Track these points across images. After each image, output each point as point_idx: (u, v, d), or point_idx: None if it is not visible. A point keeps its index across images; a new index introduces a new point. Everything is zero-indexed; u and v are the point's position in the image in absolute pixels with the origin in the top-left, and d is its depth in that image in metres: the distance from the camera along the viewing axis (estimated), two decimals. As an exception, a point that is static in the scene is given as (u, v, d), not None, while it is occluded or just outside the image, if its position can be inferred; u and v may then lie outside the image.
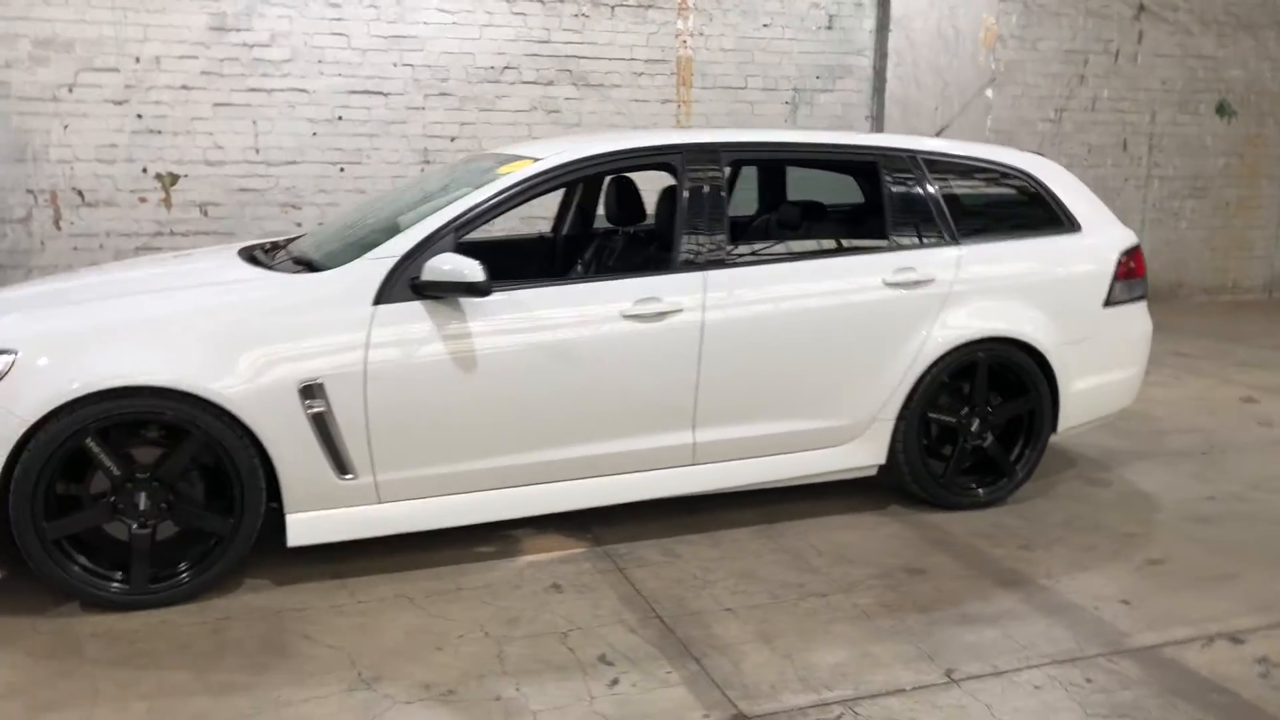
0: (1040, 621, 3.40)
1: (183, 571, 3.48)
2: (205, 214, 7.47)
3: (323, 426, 3.49)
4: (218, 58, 7.28)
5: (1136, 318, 4.71)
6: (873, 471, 4.33)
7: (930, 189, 4.37)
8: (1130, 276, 4.62)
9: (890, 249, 4.28)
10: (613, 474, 3.92)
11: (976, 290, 4.30)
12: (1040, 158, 4.74)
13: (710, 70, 8.39)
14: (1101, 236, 4.61)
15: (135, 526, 3.40)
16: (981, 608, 3.50)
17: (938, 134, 8.73)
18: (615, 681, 3.01)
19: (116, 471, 3.35)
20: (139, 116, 7.20)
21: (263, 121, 7.44)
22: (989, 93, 9.05)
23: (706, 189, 4.04)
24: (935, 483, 4.35)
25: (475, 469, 3.72)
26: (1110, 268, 4.54)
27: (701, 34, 8.33)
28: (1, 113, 6.95)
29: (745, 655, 3.17)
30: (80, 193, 7.20)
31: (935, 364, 4.23)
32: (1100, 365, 4.59)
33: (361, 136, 7.66)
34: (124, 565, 3.43)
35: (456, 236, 3.68)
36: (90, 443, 3.29)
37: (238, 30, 7.28)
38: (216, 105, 7.35)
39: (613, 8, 8.08)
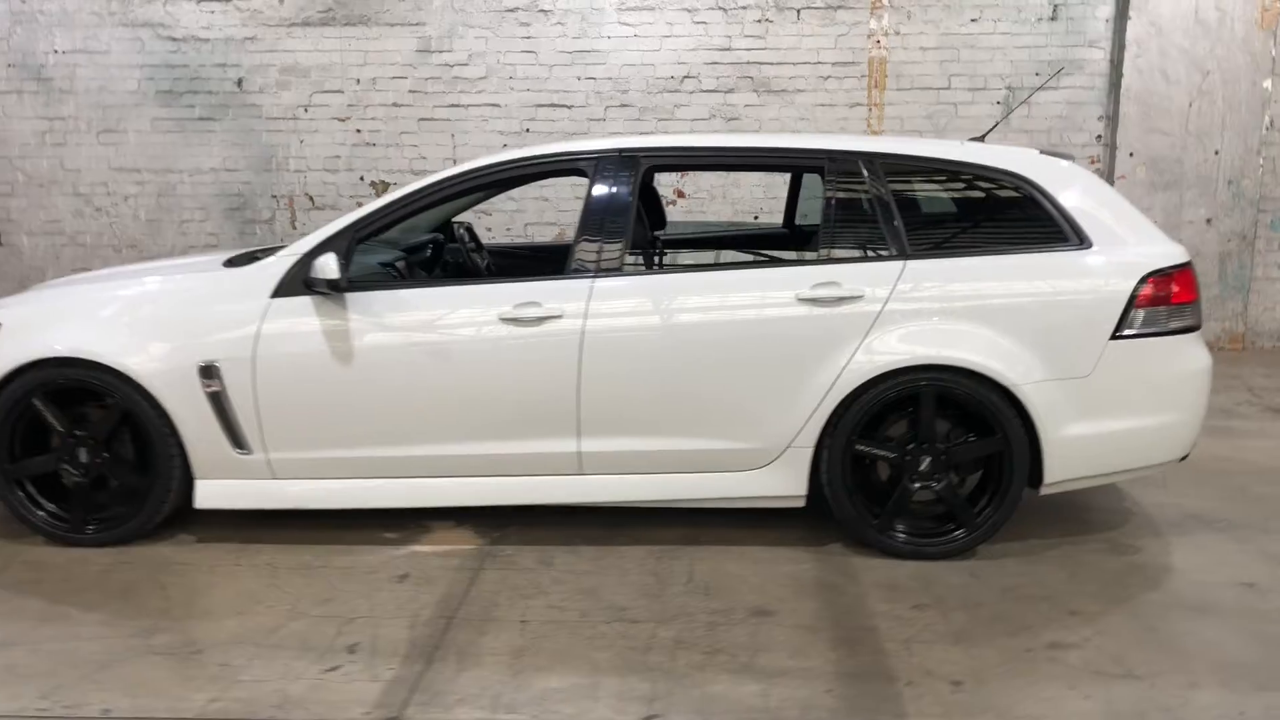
0: (818, 687, 2.99)
1: (112, 519, 4.06)
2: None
3: (219, 404, 3.91)
4: (423, 77, 8.10)
5: (1175, 354, 3.85)
6: (797, 503, 3.97)
7: (879, 196, 3.91)
8: (1161, 304, 3.80)
9: (820, 261, 3.89)
10: (497, 475, 3.97)
11: (921, 311, 3.78)
12: (1050, 159, 4.02)
13: (907, 71, 7.87)
14: (1120, 254, 3.84)
15: (77, 476, 4.03)
16: (772, 661, 3.14)
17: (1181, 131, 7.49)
18: (335, 668, 3.12)
19: (59, 428, 4.00)
20: (358, 131, 8.21)
21: (460, 134, 8.16)
22: (1267, 84, 7.61)
23: (611, 196, 3.95)
24: (867, 525, 3.89)
25: (358, 457, 3.95)
26: (1124, 292, 3.77)
27: (898, 33, 7.84)
28: (254, 130, 8.25)
29: (479, 666, 3.12)
30: (311, 198, 8.35)
31: (861, 390, 3.79)
32: (1110, 409, 3.82)
33: (541, 146, 8.12)
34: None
35: (355, 238, 3.93)
36: (36, 401, 3.96)
37: (440, 52, 8.04)
38: (421, 120, 8.18)
39: (798, 11, 7.86)
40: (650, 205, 5.13)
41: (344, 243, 3.91)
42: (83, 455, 4.02)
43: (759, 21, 7.87)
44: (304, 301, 3.89)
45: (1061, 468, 3.85)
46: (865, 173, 3.92)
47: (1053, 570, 3.79)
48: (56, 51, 8.27)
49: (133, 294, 4.08)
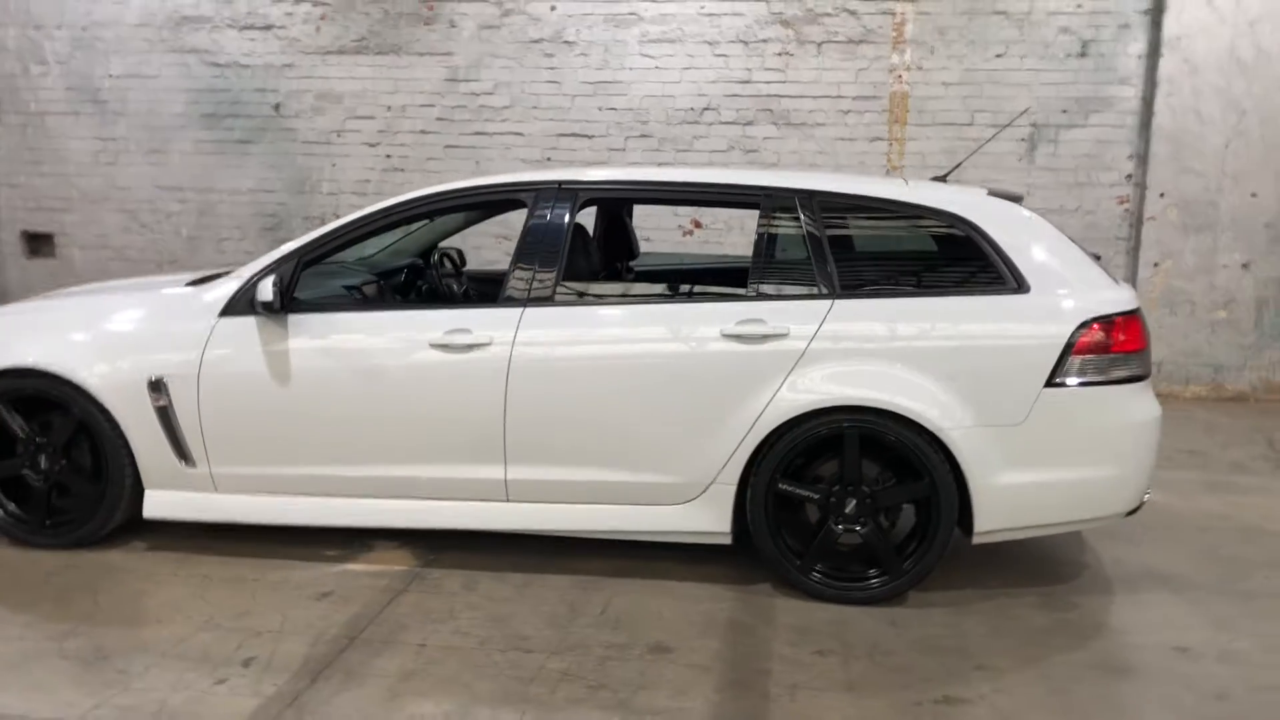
0: (685, 728, 2.96)
1: (69, 523, 4.22)
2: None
3: (166, 418, 4.06)
4: (450, 105, 8.29)
5: (1117, 404, 3.72)
6: (723, 540, 3.93)
7: (813, 233, 3.87)
8: (1101, 351, 3.68)
9: (749, 298, 3.87)
10: (427, 499, 4.02)
11: (846, 351, 3.73)
12: (996, 200, 3.93)
13: (929, 106, 7.77)
14: (1060, 299, 3.73)
15: (37, 480, 4.21)
16: (650, 700, 3.11)
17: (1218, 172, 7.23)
18: (223, 681, 3.19)
19: (22, 434, 4.19)
20: (387, 156, 8.42)
21: (484, 161, 8.31)
22: (1309, 125, 7.31)
23: (546, 227, 3.99)
24: (790, 565, 3.83)
25: (295, 474, 4.05)
26: (1061, 338, 3.66)
27: (920, 67, 7.76)
28: (289, 153, 8.54)
29: (360, 687, 3.16)
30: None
31: (783, 429, 3.75)
32: (1045, 459, 3.71)
33: (559, 175, 8.22)
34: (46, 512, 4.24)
35: (300, 262, 4.05)
36: (0, 408, 4.16)
37: (467, 81, 8.22)
38: (447, 147, 8.36)
39: (819, 45, 7.83)
40: (619, 236, 5.17)
41: (289, 266, 4.02)
42: (43, 461, 4.19)
43: (779, 55, 7.86)
44: (248, 322, 4.01)
45: (992, 517, 3.74)
46: (801, 210, 3.89)
47: (977, 622, 3.68)
48: (111, 76, 8.68)
49: (94, 311, 4.26)
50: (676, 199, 4.68)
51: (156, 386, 4.04)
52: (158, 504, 4.17)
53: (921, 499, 3.77)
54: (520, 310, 3.90)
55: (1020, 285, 3.75)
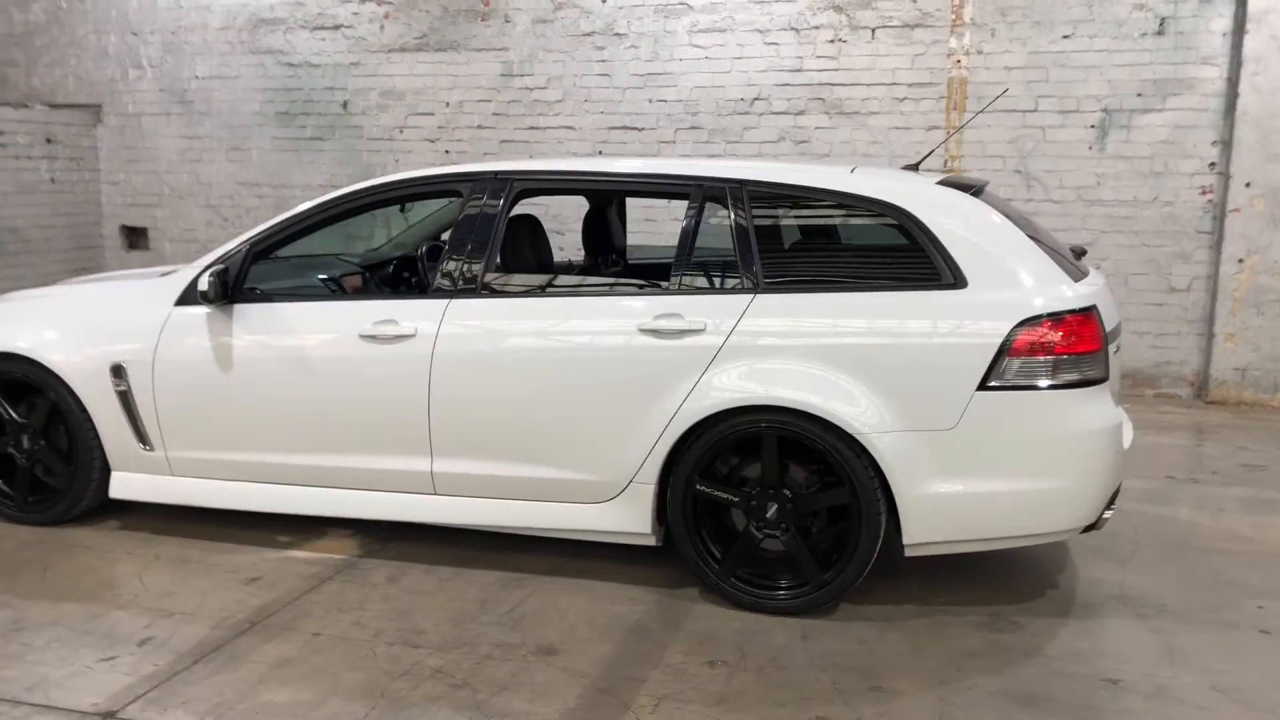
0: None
1: (48, 501, 4.45)
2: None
3: (126, 402, 4.22)
4: (505, 100, 8.36)
5: (1063, 411, 3.41)
6: (648, 541, 3.80)
7: (740, 224, 3.69)
8: (1042, 353, 3.38)
9: (671, 291, 3.72)
10: (360, 489, 4.05)
11: (764, 348, 3.54)
12: (942, 190, 3.65)
13: (989, 92, 7.33)
14: (999, 295, 3.44)
15: (22, 460, 4.46)
16: (507, 703, 3.03)
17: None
18: (111, 659, 3.29)
19: (5, 416, 4.44)
20: (446, 152, 8.57)
21: (537, 155, 8.34)
22: None
23: (478, 218, 3.95)
24: (708, 570, 3.68)
25: (240, 461, 4.15)
26: (996, 337, 3.37)
27: (980, 51, 7.34)
28: (356, 150, 8.79)
29: (232, 672, 3.20)
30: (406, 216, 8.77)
31: (699, 428, 3.60)
32: (980, 468, 3.43)
33: (607, 168, 8.17)
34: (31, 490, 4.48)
35: (250, 253, 4.14)
36: (-14, 392, 4.42)
37: (521, 75, 8.27)
38: (502, 142, 8.44)
39: (873, 30, 7.51)
40: (603, 229, 5.07)
41: (238, 258, 4.11)
42: (25, 442, 4.43)
43: (832, 41, 7.58)
44: (199, 312, 4.13)
45: (922, 529, 3.49)
46: (730, 201, 3.72)
47: (900, 640, 3.44)
48: (197, 77, 9.13)
49: (71, 300, 4.47)
50: (610, 189, 4.57)
51: (117, 372, 4.20)
52: (122, 485, 4.34)
53: (843, 507, 3.55)
54: (446, 302, 3.87)
55: (957, 280, 3.47)
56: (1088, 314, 3.43)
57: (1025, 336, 3.36)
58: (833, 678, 3.18)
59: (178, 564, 4.05)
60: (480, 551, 4.12)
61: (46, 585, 3.85)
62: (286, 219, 4.16)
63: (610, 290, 3.89)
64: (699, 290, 3.69)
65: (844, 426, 3.43)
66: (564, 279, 4.05)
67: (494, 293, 3.89)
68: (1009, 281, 3.46)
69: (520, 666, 3.24)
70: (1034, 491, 3.44)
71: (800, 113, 7.72)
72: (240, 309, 4.09)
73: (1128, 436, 3.76)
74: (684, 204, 3.79)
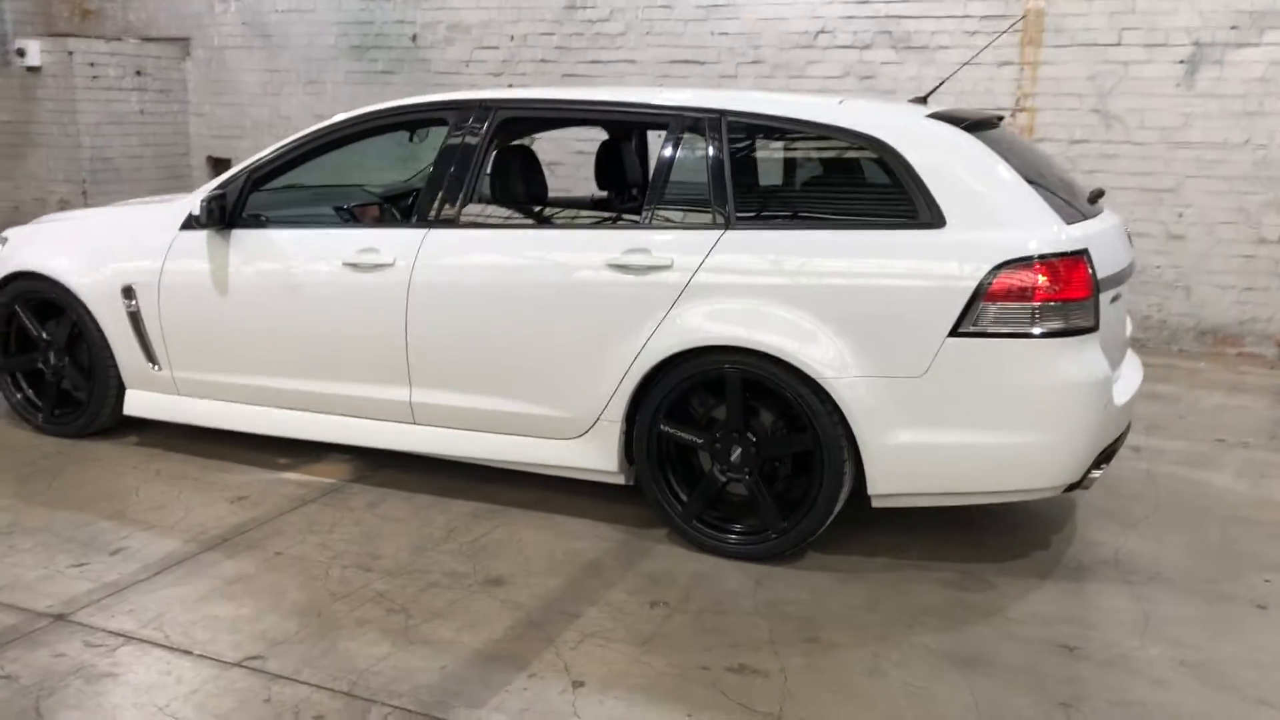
0: (439, 662, 2.87)
1: (70, 414, 4.66)
2: (552, 172, 8.54)
3: (136, 322, 4.37)
4: (568, 33, 8.26)
5: (1041, 360, 3.19)
6: (616, 479, 3.75)
7: (715, 157, 3.54)
8: (1022, 298, 3.16)
9: (641, 225, 3.62)
10: (344, 415, 4.10)
11: (730, 287, 3.42)
12: (927, 123, 3.43)
13: (1068, 25, 6.88)
14: (979, 236, 3.23)
15: (49, 375, 4.68)
16: (434, 631, 3.05)
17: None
18: (82, 565, 3.44)
19: (34, 333, 4.65)
20: (510, 85, 8.53)
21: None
22: None
23: (460, 147, 3.91)
24: (671, 511, 3.61)
25: (236, 383, 4.25)
26: (971, 280, 3.17)
27: (1060, -20, 6.87)
28: (424, 84, 8.82)
29: (186, 585, 3.30)
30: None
31: (664, 367, 3.51)
32: (949, 418, 3.26)
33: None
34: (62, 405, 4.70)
35: (249, 179, 4.20)
36: (18, 308, 4.63)
37: (584, 8, 8.15)
38: (564, 75, 8.35)
39: (946, -42, 7.11)
40: (616, 162, 4.95)
41: (237, 184, 4.18)
42: (52, 358, 4.64)
43: (902, -30, 7.20)
44: (201, 236, 4.22)
45: (888, 479, 3.34)
46: (708, 131, 3.57)
47: (856, 592, 3.32)
48: (277, 11, 9.29)
49: (90, 223, 4.63)
50: (589, 119, 4.45)
51: (128, 293, 4.34)
52: (134, 403, 4.51)
53: (805, 453, 3.42)
54: (425, 232, 3.86)
55: (935, 219, 3.27)
56: (1077, 258, 3.19)
57: (1004, 280, 3.15)
58: (771, 626, 3.09)
59: (175, 480, 4.20)
60: (463, 482, 4.14)
61: (49, 493, 4.04)
62: (281, 147, 4.20)
63: (585, 225, 3.80)
64: (670, 225, 3.58)
65: (805, 370, 3.30)
66: (544, 213, 3.98)
67: (471, 225, 3.85)
68: (992, 222, 3.24)
69: (461, 595, 3.25)
70: (1008, 446, 3.25)
71: (866, 46, 7.40)
72: (237, 234, 4.16)
73: (1126, 391, 3.51)
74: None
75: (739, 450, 3.48)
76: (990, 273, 3.15)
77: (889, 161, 3.35)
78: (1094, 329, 3.24)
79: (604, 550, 3.60)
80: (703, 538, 3.56)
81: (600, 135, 5.02)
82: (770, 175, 3.71)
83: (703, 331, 3.41)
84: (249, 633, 3.00)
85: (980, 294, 3.16)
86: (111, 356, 4.46)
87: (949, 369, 3.21)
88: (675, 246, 3.49)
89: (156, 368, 4.39)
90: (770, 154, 3.72)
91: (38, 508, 3.89)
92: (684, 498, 3.60)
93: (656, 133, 3.54)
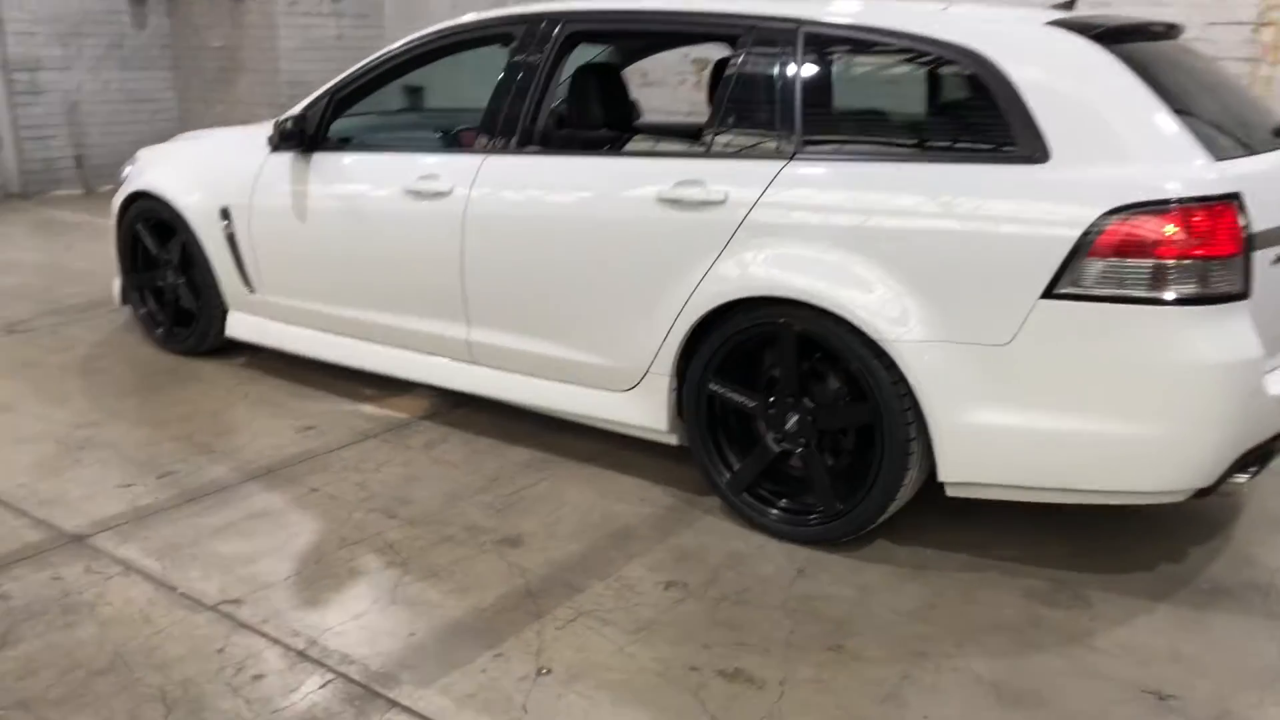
0: (410, 629, 2.65)
1: (183, 333, 4.77)
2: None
3: (232, 244, 4.37)
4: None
5: (1175, 333, 2.54)
6: (667, 439, 3.38)
7: (785, 76, 3.03)
8: (1141, 253, 2.52)
9: (699, 154, 3.18)
10: (409, 349, 3.93)
11: (789, 226, 2.93)
12: (1044, 31, 2.77)
13: (1336, -81, 5.67)
14: (1092, 173, 2.59)
15: (168, 293, 4.80)
16: (420, 592, 2.82)
17: None
18: (129, 486, 3.45)
19: (153, 252, 4.76)
20: None
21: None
22: None
23: (522, 65, 3.58)
24: (719, 480, 3.21)
25: (313, 310, 4.17)
26: (1075, 228, 2.55)
27: None
28: None
29: (213, 515, 3.24)
30: (644, 73, 8.48)
31: (714, 318, 3.09)
32: (1045, 398, 2.67)
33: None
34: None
35: (331, 101, 4.06)
36: (139, 227, 4.75)
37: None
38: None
39: None
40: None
41: (319, 105, 4.05)
42: (169, 276, 4.74)
43: None
44: (286, 159, 4.13)
45: (961, 465, 2.80)
46: (781, 45, 3.06)
47: (913, 595, 2.82)
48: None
49: (199, 146, 4.66)
50: (664, 34, 4.00)
51: (225, 215, 4.34)
52: (234, 325, 4.54)
53: (869, 428, 2.92)
54: (482, 159, 3.58)
55: (1037, 151, 2.65)
56: (1225, 204, 2.50)
57: (1119, 229, 2.51)
58: (794, 626, 2.66)
59: (258, 405, 4.18)
60: (530, 428, 3.88)
61: (139, 409, 4.12)
62: (360, 68, 4.03)
63: (640, 153, 3.39)
64: (728, 154, 3.11)
65: (863, 328, 2.78)
66: (608, 138, 3.59)
67: (529, 151, 3.52)
68: (1110, 155, 2.59)
69: (470, 554, 3.01)
70: (1116, 436, 2.63)
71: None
72: (318, 158, 4.04)
73: (1291, 377, 2.77)
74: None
75: (794, 418, 3.02)
76: (1101, 219, 2.52)
77: (987, 80, 2.74)
78: (1242, 295, 2.54)
79: (643, 516, 3.25)
80: (751, 513, 3.14)
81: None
82: (848, 98, 3.16)
83: (748, 279, 2.95)
84: (241, 574, 2.89)
85: (1085, 245, 2.53)
86: (214, 278, 4.49)
87: (1041, 337, 2.62)
88: (731, 179, 3.03)
89: (251, 291, 4.37)
90: (851, 73, 3.16)
91: (120, 423, 3.97)
92: (735, 466, 3.18)
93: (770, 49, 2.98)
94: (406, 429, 3.95)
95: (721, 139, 3.13)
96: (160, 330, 4.83)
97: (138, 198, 4.69)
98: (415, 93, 10.01)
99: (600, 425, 3.54)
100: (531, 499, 3.37)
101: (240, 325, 4.51)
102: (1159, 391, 2.57)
